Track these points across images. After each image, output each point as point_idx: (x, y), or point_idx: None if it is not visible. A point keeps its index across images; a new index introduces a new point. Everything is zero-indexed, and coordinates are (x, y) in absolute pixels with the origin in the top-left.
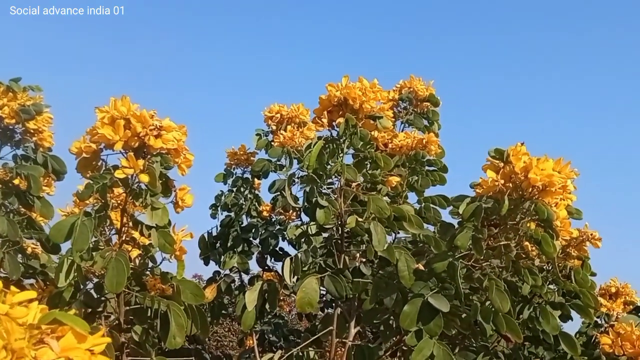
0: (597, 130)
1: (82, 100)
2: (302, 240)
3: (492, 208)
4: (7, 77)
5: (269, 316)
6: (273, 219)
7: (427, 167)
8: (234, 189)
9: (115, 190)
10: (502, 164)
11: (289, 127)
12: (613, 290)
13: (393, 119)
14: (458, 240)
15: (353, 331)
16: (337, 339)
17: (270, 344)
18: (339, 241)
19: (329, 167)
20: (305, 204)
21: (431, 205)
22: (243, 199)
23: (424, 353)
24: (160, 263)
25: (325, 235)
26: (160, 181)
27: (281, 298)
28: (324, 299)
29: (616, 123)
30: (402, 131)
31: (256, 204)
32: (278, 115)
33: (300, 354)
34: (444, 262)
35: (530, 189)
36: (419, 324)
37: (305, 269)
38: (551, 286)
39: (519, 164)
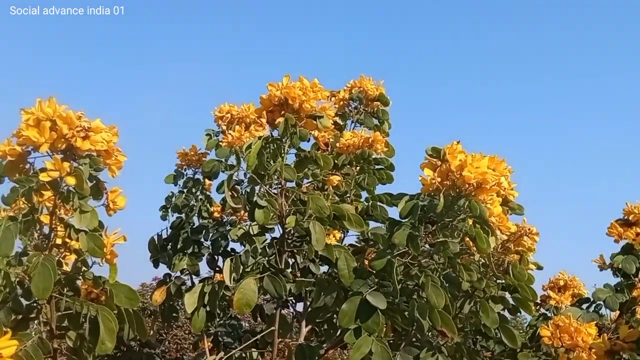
0: (554, 125)
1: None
2: (245, 240)
3: (429, 206)
4: None
5: (225, 318)
6: (224, 220)
7: (376, 166)
8: (185, 190)
9: (47, 194)
10: (439, 162)
11: (237, 127)
12: (562, 283)
13: (334, 119)
14: (395, 238)
15: (304, 330)
16: (280, 339)
17: (225, 345)
18: (282, 241)
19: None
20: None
21: (378, 203)
22: (194, 200)
23: (362, 350)
24: (91, 267)
25: (270, 235)
26: (91, 183)
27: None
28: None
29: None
30: (352, 130)
31: (207, 205)
32: (228, 115)
33: (244, 355)
34: (383, 260)
35: (466, 187)
36: (358, 322)
37: (248, 270)
38: (499, 281)
39: (454, 162)
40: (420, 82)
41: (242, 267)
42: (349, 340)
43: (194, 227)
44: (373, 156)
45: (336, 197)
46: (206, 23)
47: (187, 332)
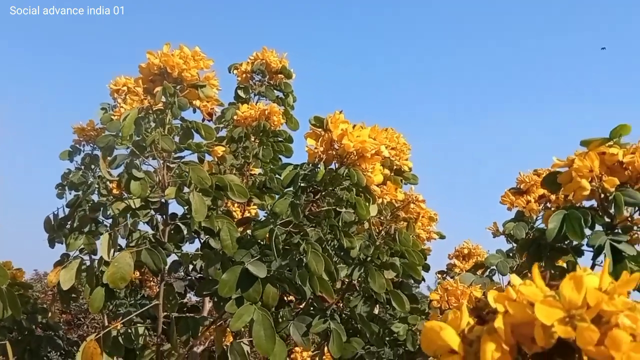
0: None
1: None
2: (128, 214)
3: (311, 175)
4: None
5: (137, 298)
6: (124, 197)
7: (277, 139)
8: (82, 167)
9: None
10: (322, 132)
11: (128, 100)
12: (466, 251)
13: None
14: (276, 206)
15: (208, 306)
16: (164, 312)
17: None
18: (164, 214)
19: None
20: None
21: (276, 175)
22: (92, 177)
23: (244, 319)
24: None
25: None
26: None
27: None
28: None
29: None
30: (257, 103)
31: (107, 181)
32: (124, 88)
33: (129, 330)
34: (265, 229)
35: (347, 155)
36: (239, 291)
37: (133, 244)
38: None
39: (336, 131)
40: (334, 58)
41: (127, 241)
42: (231, 309)
43: (92, 204)
44: (268, 128)
45: (234, 170)
46: (206, 23)
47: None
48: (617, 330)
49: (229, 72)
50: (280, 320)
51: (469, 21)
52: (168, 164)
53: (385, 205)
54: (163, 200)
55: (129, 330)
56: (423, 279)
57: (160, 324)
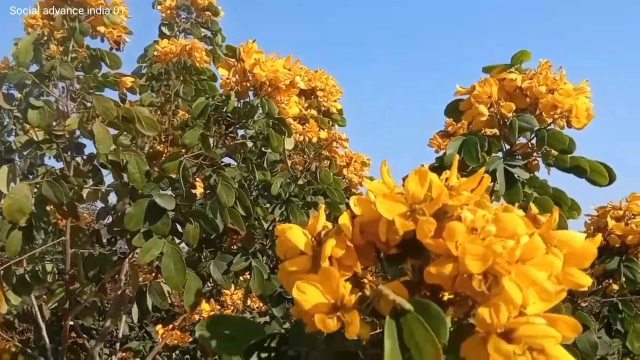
0: None
1: None
2: (32, 148)
3: (222, 106)
4: None
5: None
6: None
7: (201, 77)
8: None
9: None
10: (235, 62)
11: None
12: None
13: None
14: (186, 137)
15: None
16: (72, 249)
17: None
18: (69, 148)
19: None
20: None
21: None
22: (7, 117)
23: (152, 253)
24: None
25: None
26: None
27: None
28: None
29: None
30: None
31: (23, 122)
32: (39, 22)
33: (37, 268)
34: (175, 162)
35: (261, 86)
36: (147, 225)
37: (40, 179)
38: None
39: (249, 61)
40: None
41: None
42: (138, 243)
43: (7, 146)
44: (195, 66)
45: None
46: None
47: None
48: (454, 222)
49: (153, 8)
50: (202, 260)
51: None
52: (72, 94)
53: (308, 144)
54: (67, 133)
55: (37, 268)
56: None
57: (68, 261)
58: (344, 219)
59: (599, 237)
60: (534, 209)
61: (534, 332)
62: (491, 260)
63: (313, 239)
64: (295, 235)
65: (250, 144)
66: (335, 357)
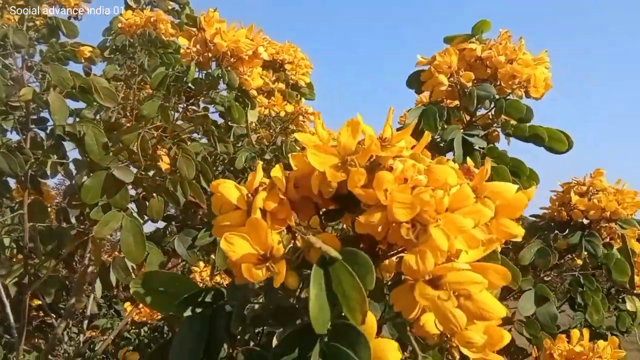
0: None
1: None
2: None
3: (182, 76)
4: None
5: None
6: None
7: (167, 50)
8: None
9: None
10: (196, 31)
11: None
12: None
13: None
14: (144, 109)
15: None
16: (30, 224)
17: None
18: (26, 119)
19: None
20: None
21: None
22: None
23: (111, 226)
24: None
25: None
26: None
27: None
28: None
29: None
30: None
31: None
32: None
33: None
34: (134, 134)
35: (222, 57)
36: (104, 198)
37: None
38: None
39: (210, 31)
40: None
41: None
42: (96, 216)
43: None
44: (160, 38)
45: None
46: None
47: None
48: (383, 171)
49: None
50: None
51: None
52: (28, 63)
53: (274, 118)
54: (23, 103)
55: None
56: None
57: (26, 235)
58: (276, 172)
59: (532, 189)
60: (469, 162)
61: (460, 279)
62: (419, 209)
63: (249, 195)
64: (229, 190)
65: (215, 117)
66: (272, 310)
